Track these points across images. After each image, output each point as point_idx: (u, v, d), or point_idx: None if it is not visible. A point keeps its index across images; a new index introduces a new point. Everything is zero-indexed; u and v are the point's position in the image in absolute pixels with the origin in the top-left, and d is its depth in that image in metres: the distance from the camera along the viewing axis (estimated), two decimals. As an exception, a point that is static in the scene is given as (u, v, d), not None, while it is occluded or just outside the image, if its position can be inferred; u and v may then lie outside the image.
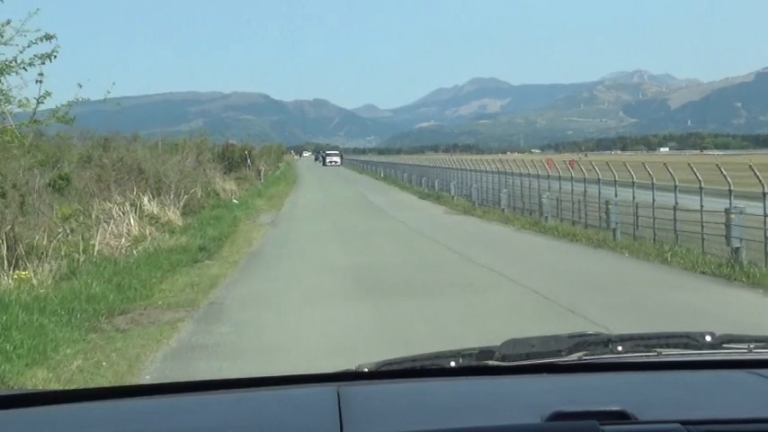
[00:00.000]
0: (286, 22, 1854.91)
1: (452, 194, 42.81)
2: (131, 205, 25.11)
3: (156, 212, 26.40)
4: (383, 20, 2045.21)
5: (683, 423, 1.86)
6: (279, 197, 48.87)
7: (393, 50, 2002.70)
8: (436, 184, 48.77)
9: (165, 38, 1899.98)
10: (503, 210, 32.83)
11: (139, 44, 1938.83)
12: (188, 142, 47.18)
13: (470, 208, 35.96)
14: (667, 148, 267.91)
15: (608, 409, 1.94)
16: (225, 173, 55.08)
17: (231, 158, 63.31)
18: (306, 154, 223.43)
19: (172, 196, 30.39)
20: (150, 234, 23.20)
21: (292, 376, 2.54)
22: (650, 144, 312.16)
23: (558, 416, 1.90)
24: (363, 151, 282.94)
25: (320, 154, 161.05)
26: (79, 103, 13.24)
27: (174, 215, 28.06)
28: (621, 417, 1.93)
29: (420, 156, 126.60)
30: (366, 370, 2.64)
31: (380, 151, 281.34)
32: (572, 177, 31.29)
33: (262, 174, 70.22)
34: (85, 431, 2.18)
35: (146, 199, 26.24)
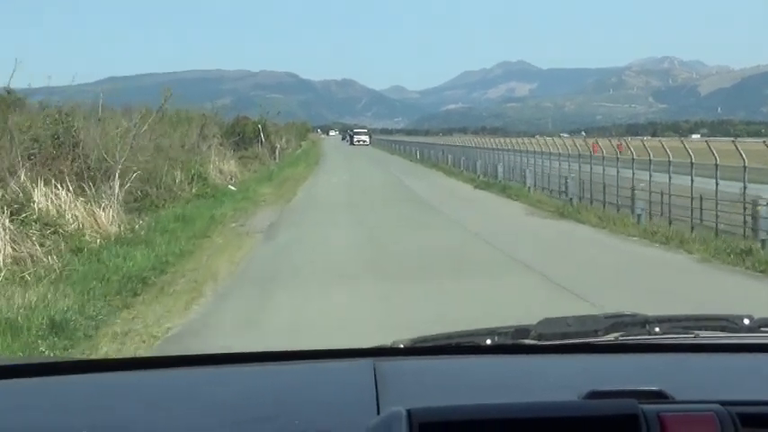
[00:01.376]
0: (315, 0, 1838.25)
1: (528, 185, 31.50)
2: (13, 203, 14.12)
3: (60, 213, 15.24)
4: (412, 1, 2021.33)
5: (723, 404, 1.72)
6: (293, 181, 38.57)
7: (421, 32, 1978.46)
8: (499, 170, 37.36)
9: (193, 15, 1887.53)
10: (637, 217, 20.93)
11: (166, 20, 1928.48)
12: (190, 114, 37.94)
13: (567, 208, 24.38)
14: (699, 135, 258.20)
15: (646, 388, 1.84)
16: (234, 150, 45.50)
17: (242, 134, 54.15)
18: (332, 133, 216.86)
19: (116, 185, 19.42)
20: (21, 262, 12.15)
21: (329, 350, 2.42)
22: (681, 130, 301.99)
23: (595, 394, 1.80)
24: (391, 132, 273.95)
25: (347, 133, 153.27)
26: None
27: (106, 216, 17.01)
28: (659, 396, 1.83)
29: (448, 137, 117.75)
30: (402, 346, 2.55)
31: (408, 132, 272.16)
32: (717, 165, 20.25)
33: (278, 152, 60.15)
34: (113, 401, 2.06)
35: (38, 191, 15.01)
